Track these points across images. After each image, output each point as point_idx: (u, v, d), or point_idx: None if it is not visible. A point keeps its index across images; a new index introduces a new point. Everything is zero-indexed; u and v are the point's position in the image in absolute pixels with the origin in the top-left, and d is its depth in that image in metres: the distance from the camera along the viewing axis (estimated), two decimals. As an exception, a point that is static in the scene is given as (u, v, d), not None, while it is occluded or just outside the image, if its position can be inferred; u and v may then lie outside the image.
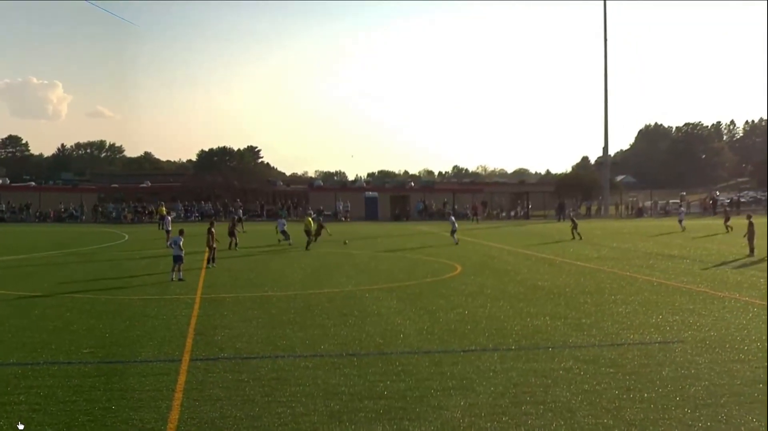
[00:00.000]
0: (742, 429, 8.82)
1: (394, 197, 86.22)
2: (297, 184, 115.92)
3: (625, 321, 16.12)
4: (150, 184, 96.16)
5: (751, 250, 31.73)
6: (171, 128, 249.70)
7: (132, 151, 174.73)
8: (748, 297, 19.58)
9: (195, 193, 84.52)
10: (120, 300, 19.80)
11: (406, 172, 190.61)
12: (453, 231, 40.81)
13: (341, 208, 78.75)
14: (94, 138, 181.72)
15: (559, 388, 10.66)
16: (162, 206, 63.66)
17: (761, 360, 12.33)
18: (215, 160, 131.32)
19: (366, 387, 10.70)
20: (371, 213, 78.22)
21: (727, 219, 50.72)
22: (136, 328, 15.49)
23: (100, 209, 77.42)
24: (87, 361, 12.54)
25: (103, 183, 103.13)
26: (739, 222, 43.63)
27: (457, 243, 39.39)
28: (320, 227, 39.84)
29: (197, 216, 75.80)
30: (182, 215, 74.58)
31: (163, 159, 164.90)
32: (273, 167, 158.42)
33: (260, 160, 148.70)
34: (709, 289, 21.14)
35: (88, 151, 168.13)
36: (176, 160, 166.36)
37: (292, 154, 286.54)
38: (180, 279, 23.32)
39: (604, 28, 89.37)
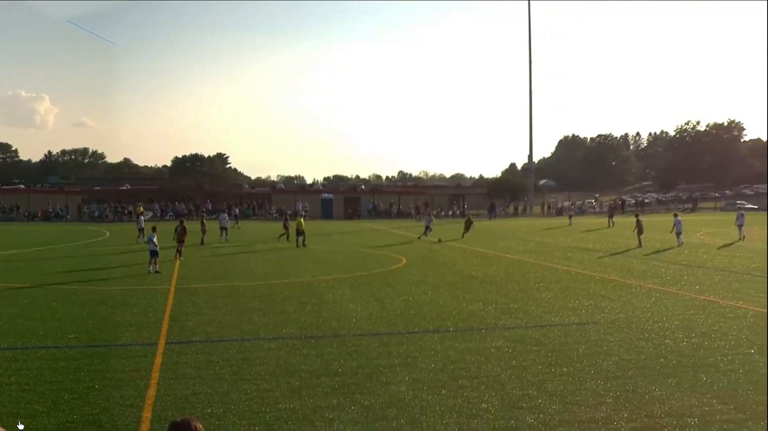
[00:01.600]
0: (647, 397, 9.00)
1: (347, 198, 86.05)
2: (261, 186, 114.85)
3: (547, 306, 16.31)
4: (129, 186, 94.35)
5: (639, 243, 32.95)
6: (148, 137, 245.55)
7: (113, 157, 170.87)
8: (651, 284, 19.96)
9: (170, 195, 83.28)
10: (102, 290, 19.43)
11: (357, 176, 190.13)
12: (427, 229, 41.27)
13: (301, 208, 78.53)
14: (78, 145, 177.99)
15: (491, 364, 10.75)
16: (140, 206, 62.54)
17: (662, 338, 12.58)
18: (188, 165, 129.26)
19: (323, 366, 10.67)
20: (327, 212, 77.96)
21: (611, 217, 52.69)
22: (117, 315, 15.22)
23: (83, 209, 75.77)
24: (72, 345, 12.30)
25: (87, 186, 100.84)
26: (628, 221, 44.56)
27: (419, 238, 39.91)
28: (287, 223, 39.59)
29: (172, 216, 74.88)
30: (158, 215, 73.61)
31: (141, 164, 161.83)
32: (240, 172, 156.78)
33: (228, 166, 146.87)
34: (618, 277, 21.51)
35: (73, 157, 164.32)
36: (153, 165, 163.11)
37: (257, 160, 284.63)
38: (156, 272, 22.99)
39: (529, 51, 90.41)
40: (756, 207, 72.76)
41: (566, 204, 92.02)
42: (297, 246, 34.27)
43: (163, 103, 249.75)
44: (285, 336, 12.97)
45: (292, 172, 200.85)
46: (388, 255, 30.07)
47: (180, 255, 28.01)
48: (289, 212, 45.33)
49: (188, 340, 12.70)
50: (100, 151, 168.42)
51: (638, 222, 33.83)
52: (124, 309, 16.13)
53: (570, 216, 58.95)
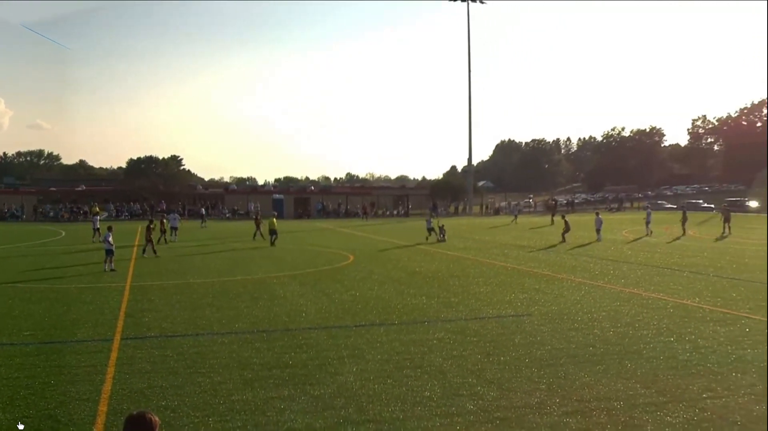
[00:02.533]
0: (577, 383, 9.18)
1: (298, 199, 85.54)
2: (214, 187, 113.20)
3: (486, 299, 16.50)
4: (84, 187, 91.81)
5: (563, 240, 34.06)
6: (103, 139, 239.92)
7: (68, 159, 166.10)
8: (581, 278, 20.38)
9: (125, 196, 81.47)
10: (57, 288, 18.89)
11: (307, 178, 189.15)
12: (430, 230, 37.99)
13: (253, 208, 77.83)
14: (34, 147, 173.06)
15: (434, 354, 10.82)
16: (95, 206, 61.08)
17: (591, 328, 12.86)
18: (143, 167, 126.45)
19: (274, 358, 10.59)
20: (278, 212, 77.41)
21: (553, 215, 53.99)
22: (72, 313, 14.83)
23: (39, 209, 73.45)
24: (28, 342, 11.93)
25: (42, 186, 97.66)
26: (575, 219, 45.50)
27: (427, 240, 36.67)
28: (258, 222, 38.99)
29: (127, 216, 73.34)
30: (114, 214, 71.97)
31: (96, 166, 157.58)
32: (194, 173, 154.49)
33: (182, 167, 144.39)
34: (551, 272, 21.89)
35: (28, 158, 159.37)
36: (108, 167, 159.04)
37: (210, 162, 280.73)
38: (112, 270, 22.48)
39: (468, 60, 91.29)
40: (675, 206, 74.96)
41: (503, 204, 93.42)
42: (272, 244, 33.76)
43: (118, 106, 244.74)
44: (238, 331, 12.82)
45: (244, 174, 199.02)
46: (336, 252, 30.00)
47: (155, 253, 27.95)
48: (260, 211, 44.74)
49: (143, 336, 12.45)
50: (55, 153, 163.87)
51: (565, 222, 35.11)
52: (80, 306, 15.72)
53: (515, 216, 59.54)
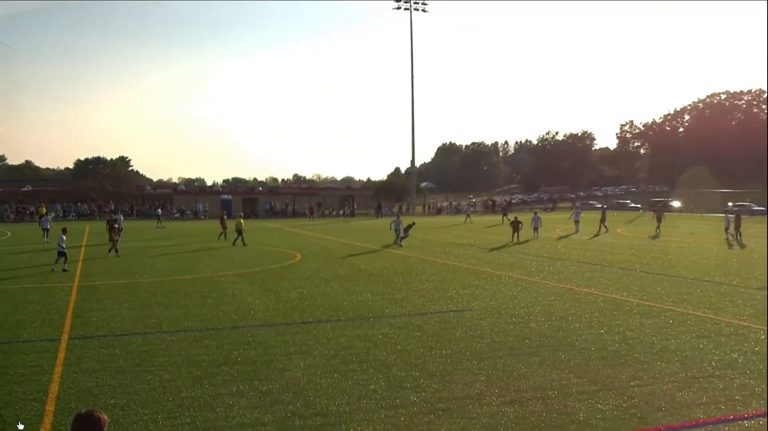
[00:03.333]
0: (514, 374, 9.32)
1: (246, 199, 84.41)
2: (163, 188, 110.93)
3: (428, 295, 16.62)
4: (30, 188, 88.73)
5: (513, 239, 34.36)
6: (50, 140, 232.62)
7: (13, 160, 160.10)
8: (518, 274, 20.71)
9: (72, 196, 79.09)
10: (3, 289, 18.21)
11: (255, 179, 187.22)
12: (398, 231, 33.46)
13: (201, 208, 76.61)
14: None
15: (378, 349, 10.85)
16: (42, 206, 59.13)
17: (527, 322, 13.08)
18: (90, 167, 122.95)
19: (223, 355, 10.45)
20: (226, 212, 76.14)
21: (504, 215, 54.64)
22: (18, 313, 14.32)
23: (-16, 210, 70.77)
24: (-28, 343, 11.46)
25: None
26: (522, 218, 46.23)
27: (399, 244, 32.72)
28: (224, 222, 38.16)
29: (74, 216, 71.17)
30: (60, 215, 69.75)
31: (43, 166, 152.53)
32: (142, 174, 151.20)
33: (130, 168, 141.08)
34: (490, 269, 22.18)
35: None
36: (55, 167, 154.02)
37: (158, 163, 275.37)
38: (64, 270, 21.81)
39: (411, 64, 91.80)
40: (605, 206, 77.00)
41: (444, 204, 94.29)
42: (234, 244, 33.13)
43: (65, 107, 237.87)
44: (186, 329, 12.60)
45: (192, 175, 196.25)
46: (283, 251, 29.77)
47: (116, 252, 27.45)
48: (224, 212, 43.68)
49: (91, 335, 12.11)
50: (0, 154, 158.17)
51: (516, 222, 35.42)
52: (26, 306, 15.19)
53: (467, 215, 59.83)
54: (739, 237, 34.13)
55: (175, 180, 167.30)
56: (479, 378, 9.11)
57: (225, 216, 39.37)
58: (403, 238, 33.06)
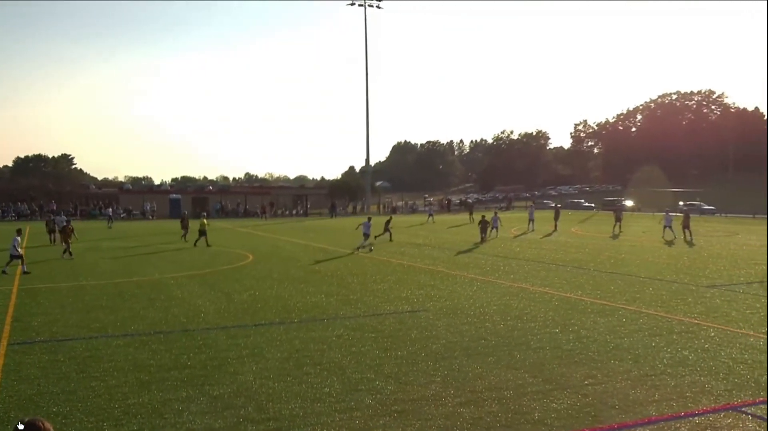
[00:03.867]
0: (470, 374, 9.42)
1: (195, 198, 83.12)
2: (108, 187, 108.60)
3: (383, 296, 16.65)
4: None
5: (482, 239, 34.35)
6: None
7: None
8: (473, 274, 20.91)
9: (11, 195, 76.77)
10: (-63, 293, 17.58)
11: (205, 177, 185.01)
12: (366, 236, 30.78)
13: (148, 208, 75.22)
14: None
15: (333, 351, 10.83)
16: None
17: (483, 322, 13.22)
18: (30, 165, 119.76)
19: (172, 360, 10.29)
20: (175, 212, 74.90)
21: (471, 213, 55.27)
22: (-47, 318, 13.83)
23: None
24: None
25: None
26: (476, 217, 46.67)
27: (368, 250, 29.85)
28: (185, 221, 37.30)
29: (13, 216, 69.03)
30: (-1, 215, 67.75)
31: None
32: (86, 173, 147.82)
33: (74, 166, 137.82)
34: (445, 269, 22.34)
35: None
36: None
37: (104, 161, 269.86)
38: (25, 272, 21.29)
39: (366, 64, 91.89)
40: (559, 205, 78.35)
41: (399, 204, 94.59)
42: (195, 245, 32.55)
43: (4, 104, 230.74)
44: (133, 333, 12.36)
45: (140, 173, 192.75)
46: (234, 252, 29.46)
47: (70, 254, 26.85)
48: (185, 212, 42.83)
49: (32, 340, 11.78)
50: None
51: (483, 222, 35.44)
52: (-38, 311, 14.70)
53: (430, 215, 59.88)
54: (689, 236, 35.08)
55: (121, 179, 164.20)
56: (435, 379, 9.17)
57: (185, 217, 38.55)
58: (378, 236, 33.05)
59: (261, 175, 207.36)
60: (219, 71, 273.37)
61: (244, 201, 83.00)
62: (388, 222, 36.01)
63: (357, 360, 10.21)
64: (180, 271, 22.18)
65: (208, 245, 32.21)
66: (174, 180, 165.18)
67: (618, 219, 40.62)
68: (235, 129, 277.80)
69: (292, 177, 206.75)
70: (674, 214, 39.89)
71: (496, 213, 40.26)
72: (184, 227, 36.65)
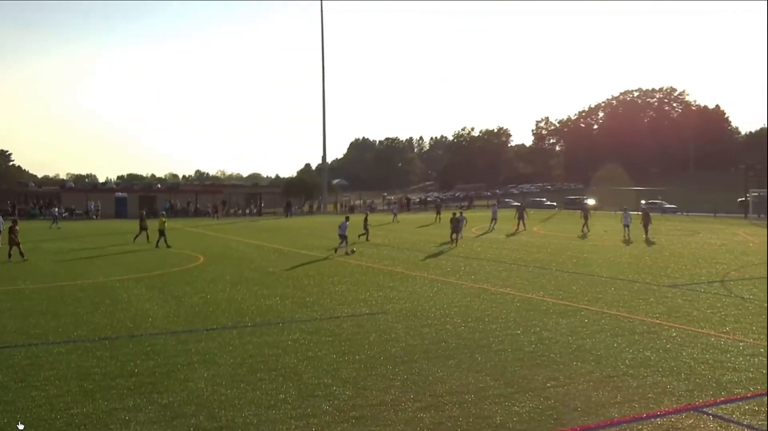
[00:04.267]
0: (430, 378, 9.46)
1: (143, 197, 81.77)
2: (49, 185, 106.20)
3: (341, 298, 16.62)
4: None
5: (453, 240, 33.74)
6: None
7: None
8: (434, 275, 21.02)
9: (-59, 193, 74.69)
10: None
11: (153, 175, 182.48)
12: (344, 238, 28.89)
13: (93, 207, 73.72)
14: None
15: (288, 356, 10.76)
16: None
17: (443, 324, 13.29)
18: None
19: (118, 367, 10.09)
20: (121, 211, 73.66)
21: (438, 213, 55.42)
22: None
23: None
24: None
25: None
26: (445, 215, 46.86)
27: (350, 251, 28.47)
28: (143, 223, 36.45)
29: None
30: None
31: None
32: (24, 170, 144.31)
33: (11, 163, 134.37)
34: (404, 270, 22.41)
35: None
36: None
37: (43, 157, 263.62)
38: None
39: (322, 60, 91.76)
40: (524, 204, 79.27)
41: (357, 202, 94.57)
42: (156, 246, 31.96)
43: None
44: (76, 339, 12.09)
45: (83, 171, 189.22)
46: (185, 253, 29.08)
47: (22, 256, 26.25)
48: (143, 211, 41.75)
49: (-34, 348, 11.44)
50: None
51: (454, 220, 34.95)
52: None
53: (395, 214, 59.61)
54: (647, 235, 35.75)
55: (62, 176, 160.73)
56: (394, 384, 9.18)
57: (143, 217, 37.70)
58: (361, 235, 32.61)
59: (212, 172, 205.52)
60: (169, 63, 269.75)
61: (194, 200, 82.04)
62: (365, 220, 35.79)
63: (313, 365, 10.17)
64: (127, 274, 21.79)
65: (168, 246, 31.77)
66: (120, 178, 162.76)
67: (585, 218, 41.17)
68: (185, 125, 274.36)
69: (245, 175, 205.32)
70: (633, 212, 40.68)
71: (461, 212, 40.39)
72: (143, 227, 35.84)
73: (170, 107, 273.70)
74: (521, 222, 44.00)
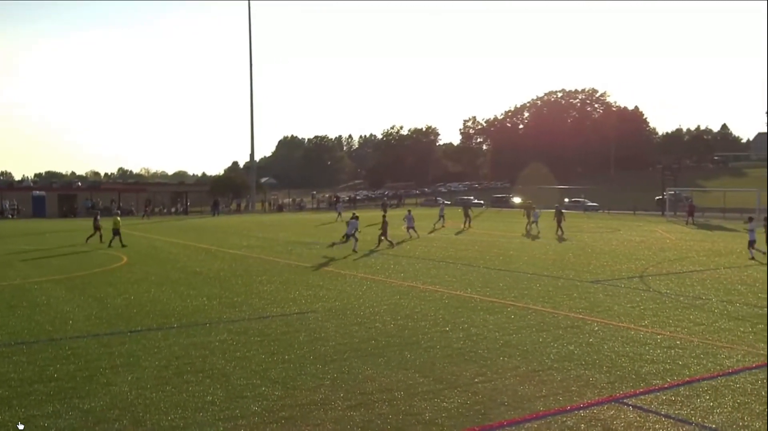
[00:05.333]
0: (360, 376, 9.49)
1: (62, 196, 79.00)
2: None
3: (270, 298, 16.49)
4: None
5: (384, 241, 33.40)
6: None
7: None
8: (363, 273, 21.07)
9: None
10: None
11: (73, 173, 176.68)
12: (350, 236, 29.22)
13: (8, 206, 70.77)
14: None
15: (216, 357, 10.62)
16: None
17: (373, 322, 13.36)
18: None
19: (36, 372, 9.74)
20: (39, 211, 70.99)
21: (384, 212, 55.52)
22: None
23: None
24: None
25: None
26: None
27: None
28: (97, 223, 34.89)
29: None
30: None
31: None
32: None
33: None
34: (334, 268, 22.39)
35: None
36: None
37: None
38: None
39: (250, 58, 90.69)
40: (449, 203, 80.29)
41: (287, 201, 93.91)
42: (110, 246, 30.82)
43: None
44: (-9, 344, 11.60)
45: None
46: (107, 253, 28.26)
47: None
48: (98, 211, 40.01)
49: None
50: None
51: (384, 222, 34.68)
52: None
53: (339, 213, 59.06)
54: (560, 232, 36.62)
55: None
56: (324, 383, 9.18)
57: (98, 217, 36.34)
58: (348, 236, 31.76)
59: (136, 170, 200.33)
60: (88, 55, 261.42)
61: (117, 198, 79.67)
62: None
63: (242, 366, 10.06)
64: (45, 275, 21.03)
65: (122, 245, 30.96)
66: (37, 175, 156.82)
67: (528, 216, 41.75)
68: (107, 120, 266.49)
69: (170, 173, 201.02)
70: (540, 210, 42.42)
71: (409, 212, 40.08)
72: (96, 228, 34.52)
73: (91, 103, 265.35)
74: (468, 219, 44.71)
